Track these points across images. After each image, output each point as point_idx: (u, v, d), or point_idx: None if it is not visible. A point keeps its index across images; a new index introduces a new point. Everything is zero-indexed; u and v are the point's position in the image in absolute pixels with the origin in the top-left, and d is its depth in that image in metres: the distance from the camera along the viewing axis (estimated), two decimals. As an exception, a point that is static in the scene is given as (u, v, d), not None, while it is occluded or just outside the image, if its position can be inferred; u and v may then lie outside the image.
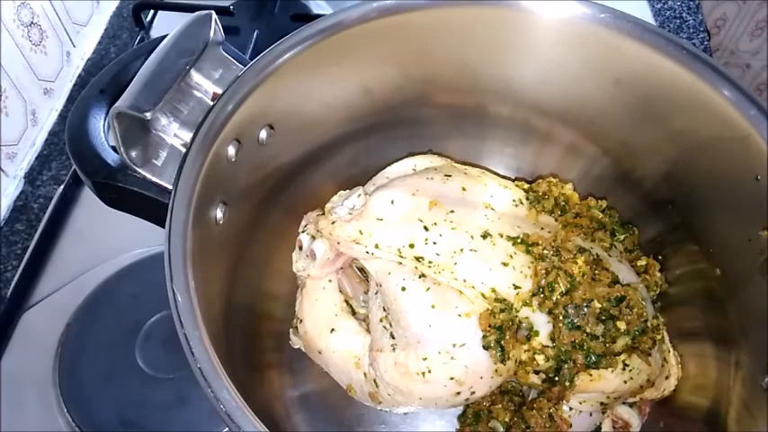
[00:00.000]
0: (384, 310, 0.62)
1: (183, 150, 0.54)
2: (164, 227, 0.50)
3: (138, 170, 0.56)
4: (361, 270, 0.68)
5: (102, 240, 0.83)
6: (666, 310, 0.69)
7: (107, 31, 1.05)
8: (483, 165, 0.76)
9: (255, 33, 1.01)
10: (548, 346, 0.59)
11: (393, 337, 0.60)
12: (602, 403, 0.62)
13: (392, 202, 0.63)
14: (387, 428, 0.70)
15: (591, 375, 0.59)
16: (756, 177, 0.54)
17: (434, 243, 0.60)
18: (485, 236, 0.61)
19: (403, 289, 0.59)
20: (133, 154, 0.55)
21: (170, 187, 0.52)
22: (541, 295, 0.58)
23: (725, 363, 0.60)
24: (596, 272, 0.60)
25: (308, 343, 0.66)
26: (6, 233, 0.84)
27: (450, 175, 0.67)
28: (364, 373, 0.62)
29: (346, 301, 0.68)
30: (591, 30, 0.59)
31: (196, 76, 0.59)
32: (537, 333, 0.59)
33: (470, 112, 0.72)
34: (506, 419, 0.63)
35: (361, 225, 0.62)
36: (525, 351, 0.59)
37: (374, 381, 0.61)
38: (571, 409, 0.62)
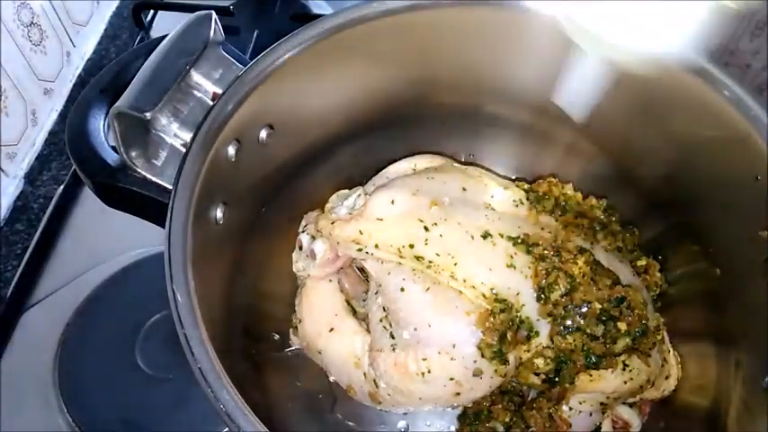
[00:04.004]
0: (384, 310, 0.61)
1: (183, 150, 0.54)
2: (164, 227, 0.50)
3: (138, 170, 0.56)
4: (361, 270, 0.68)
5: (102, 240, 0.83)
6: (666, 310, 0.69)
7: (107, 31, 1.04)
8: (483, 165, 0.76)
9: (255, 33, 1.01)
10: (548, 347, 0.59)
11: (393, 337, 0.60)
12: (602, 403, 0.62)
13: (392, 202, 0.63)
14: (387, 428, 0.70)
15: (591, 376, 0.59)
16: (756, 177, 0.54)
17: (434, 243, 0.60)
18: (485, 236, 0.61)
19: (402, 289, 0.59)
20: (133, 154, 0.55)
21: (170, 187, 0.52)
22: (542, 296, 0.58)
23: (725, 363, 0.61)
24: (597, 272, 0.60)
25: (308, 343, 0.66)
26: (6, 233, 0.84)
27: (450, 175, 0.67)
28: (364, 373, 0.62)
29: (346, 301, 0.68)
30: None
31: (196, 76, 0.59)
32: (537, 333, 0.59)
33: (470, 112, 0.72)
34: (506, 419, 0.63)
35: (360, 225, 0.62)
36: (525, 351, 0.59)
37: (374, 381, 0.61)
38: (571, 409, 0.62)
